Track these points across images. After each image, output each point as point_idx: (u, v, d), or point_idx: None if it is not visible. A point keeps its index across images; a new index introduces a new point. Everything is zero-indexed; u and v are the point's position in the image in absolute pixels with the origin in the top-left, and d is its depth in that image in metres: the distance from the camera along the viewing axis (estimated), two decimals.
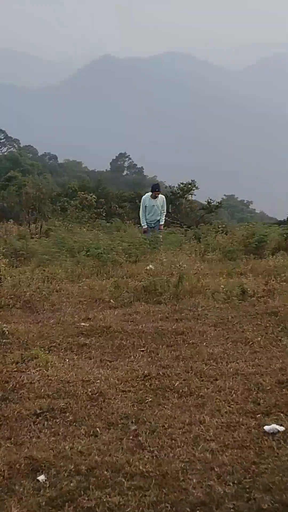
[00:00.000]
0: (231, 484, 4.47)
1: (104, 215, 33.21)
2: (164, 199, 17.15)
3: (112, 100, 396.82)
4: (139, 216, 17.51)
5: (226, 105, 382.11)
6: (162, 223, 17.15)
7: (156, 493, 4.40)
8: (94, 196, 37.36)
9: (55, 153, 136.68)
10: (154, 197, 16.70)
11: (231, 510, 4.16)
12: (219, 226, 18.26)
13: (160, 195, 16.77)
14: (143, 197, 17.25)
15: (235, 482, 4.49)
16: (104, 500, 4.35)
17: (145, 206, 16.80)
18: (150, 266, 12.11)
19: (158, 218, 16.82)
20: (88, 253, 13.83)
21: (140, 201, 17.35)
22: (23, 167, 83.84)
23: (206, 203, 25.23)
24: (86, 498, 4.39)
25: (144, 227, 16.98)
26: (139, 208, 17.31)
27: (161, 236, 16.40)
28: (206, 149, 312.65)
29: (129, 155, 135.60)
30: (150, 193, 16.89)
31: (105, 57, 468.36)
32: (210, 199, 25.32)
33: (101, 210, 35.89)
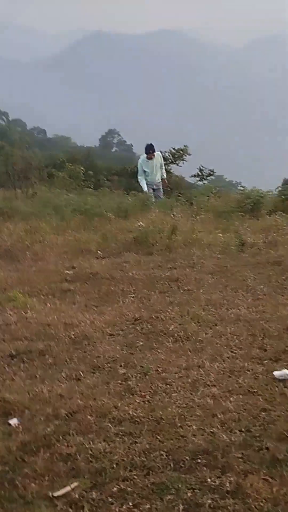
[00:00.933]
0: (238, 431, 3.80)
1: (92, 187, 32.44)
2: (160, 155, 16.27)
3: (104, 76, 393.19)
4: (138, 183, 16.55)
5: (222, 85, 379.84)
6: (165, 177, 16.16)
7: (149, 440, 3.71)
8: (82, 168, 36.46)
9: (45, 128, 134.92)
10: (150, 158, 15.79)
11: (240, 459, 3.46)
12: (212, 191, 17.46)
13: (155, 153, 15.88)
14: (139, 160, 16.23)
15: (243, 429, 3.82)
16: (87, 446, 3.66)
17: (144, 171, 15.89)
18: (141, 223, 11.34)
19: (159, 175, 15.90)
20: (75, 209, 13.04)
21: (133, 171, 16.31)
22: (11, 140, 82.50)
23: (198, 170, 24.43)
24: (65, 444, 3.71)
25: (145, 191, 16.07)
26: (137, 172, 16.38)
27: (162, 196, 15.56)
28: (199, 129, 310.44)
29: (118, 132, 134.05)
30: (145, 155, 15.95)
31: (97, 33, 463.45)
32: (202, 166, 24.46)
33: (89, 182, 35.07)
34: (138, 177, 16.03)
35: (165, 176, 16.09)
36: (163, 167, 16.13)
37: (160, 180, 15.76)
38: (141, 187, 16.00)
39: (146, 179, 15.71)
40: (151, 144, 15.72)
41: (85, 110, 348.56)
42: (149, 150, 15.54)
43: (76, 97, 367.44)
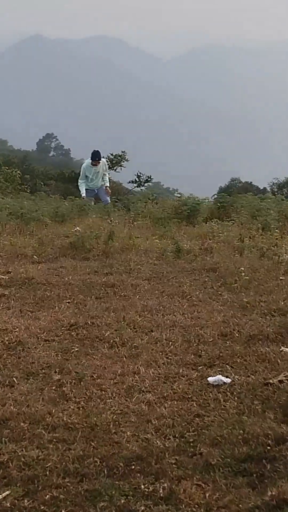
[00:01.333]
0: (172, 437, 3.81)
1: (29, 191, 32.08)
2: (105, 162, 16.04)
3: (40, 81, 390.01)
4: (77, 186, 16.32)
5: (154, 92, 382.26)
6: (108, 184, 15.94)
7: (83, 447, 3.69)
8: (19, 172, 35.94)
9: None
10: (95, 164, 15.54)
11: (173, 465, 3.47)
12: (149, 197, 17.53)
13: (100, 160, 15.66)
14: (83, 165, 15.90)
15: (177, 435, 3.83)
16: (20, 453, 3.61)
17: (86, 176, 15.64)
18: (77, 228, 11.27)
19: (102, 182, 15.68)
20: (10, 213, 12.85)
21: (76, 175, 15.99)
22: None
23: (136, 176, 24.53)
24: None
25: (83, 196, 15.89)
26: (78, 176, 16.15)
27: (109, 201, 15.40)
28: (132, 134, 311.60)
29: (56, 136, 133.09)
30: (89, 161, 15.69)
31: (35, 37, 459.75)
32: (140, 173, 24.56)
33: (26, 186, 34.64)
34: (79, 181, 15.83)
35: (107, 184, 15.86)
36: (107, 175, 15.89)
37: (103, 187, 15.55)
38: (79, 191, 15.88)
39: (87, 185, 15.54)
40: (97, 151, 15.44)
41: (22, 114, 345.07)
42: (95, 157, 15.30)
43: (13, 100, 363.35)
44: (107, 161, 17.17)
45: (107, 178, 15.92)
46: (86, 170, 15.43)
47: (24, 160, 50.55)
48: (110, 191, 16.05)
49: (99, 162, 15.30)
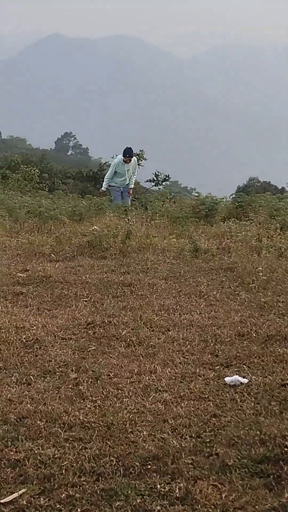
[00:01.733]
0: (188, 437, 3.80)
1: (47, 190, 32.14)
2: (136, 161, 15.69)
3: (59, 79, 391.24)
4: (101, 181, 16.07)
5: (173, 91, 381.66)
6: (132, 186, 15.79)
7: (99, 446, 3.68)
8: (37, 170, 36.00)
9: None
10: (127, 161, 15.31)
11: (190, 465, 3.46)
12: (167, 196, 17.51)
13: (132, 158, 15.44)
14: (115, 161, 15.61)
15: (193, 435, 3.82)
16: (36, 452, 3.61)
17: (115, 172, 15.39)
18: (95, 227, 11.28)
19: (128, 181, 15.46)
20: (29, 211, 12.90)
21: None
22: None
23: (153, 175, 24.47)
24: (14, 450, 3.65)
25: (101, 190, 15.73)
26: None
27: (129, 203, 15.23)
28: (151, 134, 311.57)
29: (74, 135, 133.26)
30: (121, 157, 15.46)
31: (54, 36, 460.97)
32: (158, 172, 24.49)
33: (44, 184, 34.70)
34: (106, 176, 15.53)
35: (132, 186, 15.65)
36: (134, 177, 15.68)
37: (127, 188, 15.31)
38: (103, 183, 15.72)
39: (115, 181, 15.29)
40: (130, 148, 15.14)
41: (41, 112, 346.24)
42: (127, 154, 15.00)
43: (32, 99, 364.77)
44: (138, 161, 16.72)
45: (134, 179, 15.69)
46: (117, 167, 15.04)
47: (42, 159, 50.63)
48: (132, 192, 15.82)
49: (130, 160, 15.05)
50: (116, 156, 15.84)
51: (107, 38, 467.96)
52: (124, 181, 15.15)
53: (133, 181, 15.72)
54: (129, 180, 15.29)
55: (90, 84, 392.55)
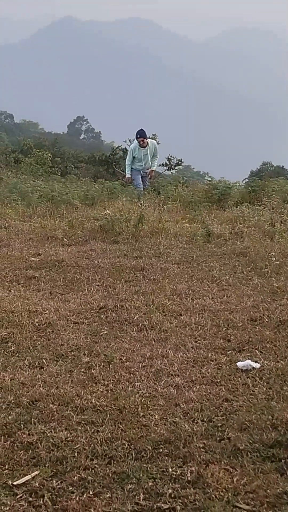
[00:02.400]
0: (200, 421, 3.80)
1: (59, 174, 32.09)
2: (156, 145, 15.02)
3: (72, 63, 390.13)
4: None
5: (185, 75, 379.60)
6: (154, 168, 15.07)
7: (111, 429, 3.69)
8: (49, 154, 35.93)
9: (12, 113, 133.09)
10: (143, 146, 14.94)
11: (201, 449, 3.46)
12: (180, 180, 17.47)
13: (150, 141, 15.02)
14: (132, 146, 15.18)
15: (205, 419, 3.82)
16: (49, 434, 3.63)
17: (133, 157, 15.04)
18: (107, 211, 11.28)
19: (149, 164, 15.06)
20: (41, 195, 12.92)
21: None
22: None
23: (166, 159, 24.41)
24: (27, 432, 3.66)
25: (127, 177, 15.45)
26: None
27: (147, 186, 14.94)
28: (163, 119, 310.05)
29: (87, 119, 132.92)
30: (137, 142, 15.08)
31: (67, 19, 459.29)
32: (171, 156, 24.47)
33: (57, 169, 34.61)
34: (126, 162, 15.10)
35: (155, 167, 15.18)
36: (157, 158, 15.09)
37: (148, 168, 14.77)
38: (124, 172, 15.46)
39: (135, 164, 14.68)
40: (142, 129, 14.58)
41: (54, 96, 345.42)
42: (138, 135, 14.41)
43: (45, 83, 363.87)
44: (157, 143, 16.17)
45: (156, 162, 15.16)
46: (134, 152, 14.56)
47: (55, 143, 50.69)
48: (152, 174, 15.33)
49: (144, 141, 14.43)
50: (132, 141, 15.57)
51: (120, 21, 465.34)
52: (144, 165, 14.60)
53: (156, 164, 15.19)
54: (149, 163, 14.71)
55: (103, 67, 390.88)
